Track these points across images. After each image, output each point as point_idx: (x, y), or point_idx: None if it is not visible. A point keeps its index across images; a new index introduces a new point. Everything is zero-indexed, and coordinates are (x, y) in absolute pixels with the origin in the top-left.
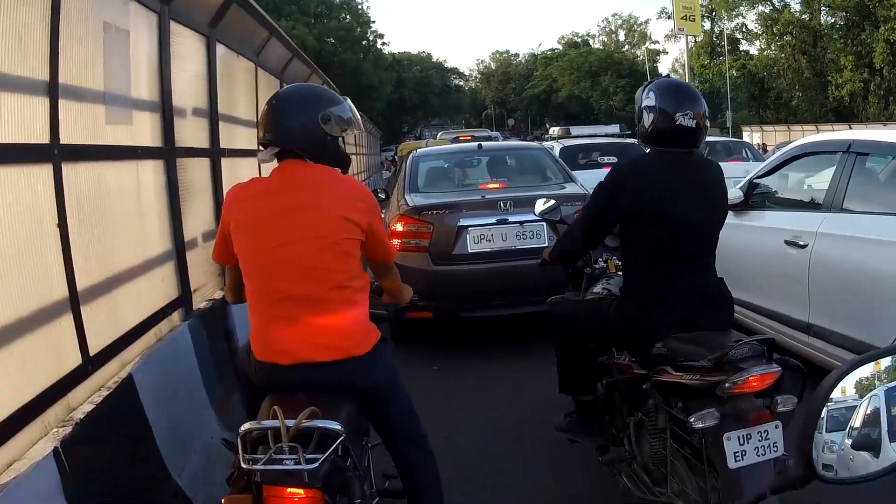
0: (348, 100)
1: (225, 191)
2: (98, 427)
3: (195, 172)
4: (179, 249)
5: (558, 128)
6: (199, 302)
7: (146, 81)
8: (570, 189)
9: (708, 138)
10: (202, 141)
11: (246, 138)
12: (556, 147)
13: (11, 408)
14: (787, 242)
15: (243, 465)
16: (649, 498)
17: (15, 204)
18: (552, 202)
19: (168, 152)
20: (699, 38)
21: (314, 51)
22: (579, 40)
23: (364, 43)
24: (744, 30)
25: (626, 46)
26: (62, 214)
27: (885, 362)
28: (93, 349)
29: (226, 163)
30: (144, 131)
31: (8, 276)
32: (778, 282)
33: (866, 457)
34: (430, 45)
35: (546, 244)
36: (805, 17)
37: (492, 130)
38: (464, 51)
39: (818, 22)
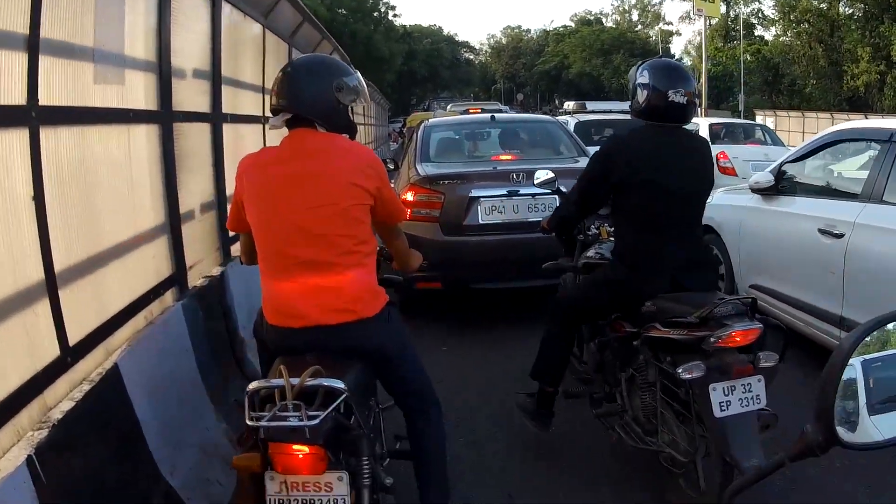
0: (358, 72)
1: (226, 159)
2: (79, 427)
3: (194, 139)
4: (174, 223)
5: (573, 102)
6: (195, 279)
7: (142, 38)
8: (583, 163)
9: (725, 120)
10: (202, 105)
11: (251, 103)
12: (571, 121)
13: None
14: (821, 231)
15: (249, 422)
16: (641, 447)
17: None
18: (551, 174)
19: (164, 116)
20: (718, 19)
21: (325, 21)
22: (592, 18)
23: (375, 14)
24: (759, 15)
25: (639, 26)
26: (38, 185)
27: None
28: (73, 338)
29: (228, 129)
30: (138, 93)
31: None
32: (809, 272)
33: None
34: (442, 19)
35: None
36: (823, 6)
37: (501, 105)
38: (475, 25)
39: (836, 12)
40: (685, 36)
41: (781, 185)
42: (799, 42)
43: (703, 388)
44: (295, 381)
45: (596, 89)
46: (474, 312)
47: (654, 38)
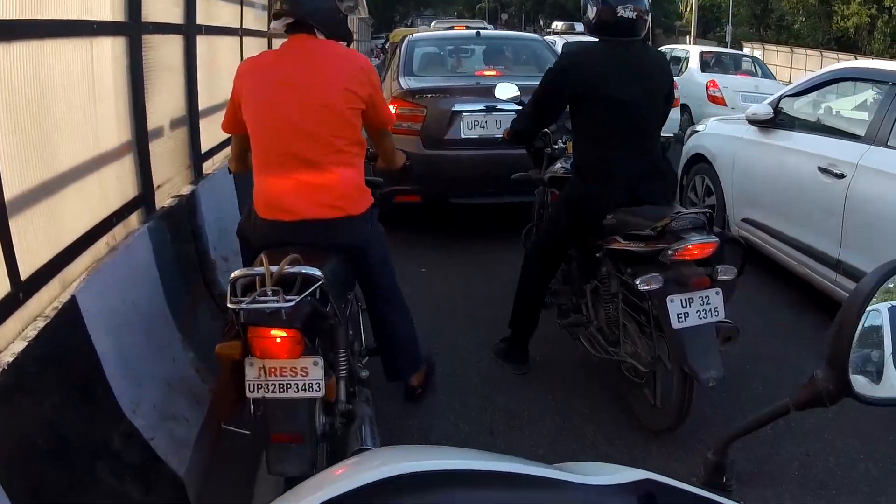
0: None
1: (200, 72)
2: (33, 369)
3: (165, 51)
4: (141, 141)
5: (562, 23)
6: (163, 199)
7: None
8: None
9: (716, 49)
10: (175, 16)
11: (228, 15)
12: (559, 42)
13: None
14: (821, 169)
15: (230, 306)
16: (605, 357)
17: None
18: (515, 91)
19: (132, 28)
20: None
21: None
22: None
23: None
24: None
25: None
26: None
27: None
28: (25, 271)
29: (202, 41)
30: (102, 3)
31: None
32: (807, 210)
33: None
34: None
35: None
36: None
37: (486, 23)
38: None
39: None
40: None
41: (779, 119)
42: None
43: (661, 300)
44: (274, 268)
45: (581, 11)
46: (454, 231)
47: None
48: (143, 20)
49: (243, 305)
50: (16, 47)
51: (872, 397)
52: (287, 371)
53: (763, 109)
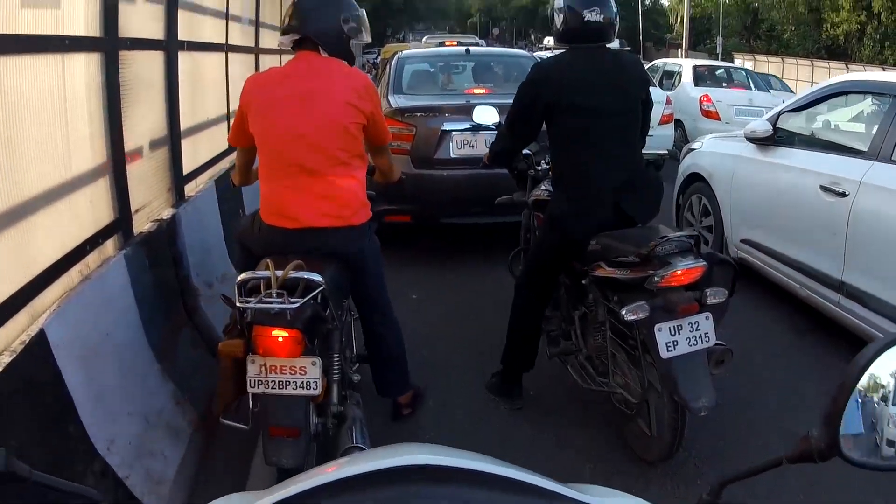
0: (363, 10)
1: (182, 90)
2: None
3: (144, 68)
4: (117, 162)
5: (553, 38)
6: (141, 224)
7: None
8: None
9: (710, 63)
10: (155, 31)
11: (213, 30)
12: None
13: None
14: (823, 188)
15: (238, 304)
16: (594, 388)
17: None
18: (495, 114)
19: (108, 43)
20: None
21: None
22: None
23: None
24: None
25: None
26: None
27: None
28: None
29: (184, 57)
30: (76, 17)
31: None
32: (808, 230)
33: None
34: None
35: (526, 152)
36: None
37: (478, 38)
38: None
39: None
40: None
41: (779, 136)
42: None
43: (648, 329)
44: (280, 273)
45: (549, 22)
46: (445, 252)
47: None
48: (119, 35)
49: (251, 305)
50: None
51: (861, 461)
52: (287, 369)
53: (761, 126)
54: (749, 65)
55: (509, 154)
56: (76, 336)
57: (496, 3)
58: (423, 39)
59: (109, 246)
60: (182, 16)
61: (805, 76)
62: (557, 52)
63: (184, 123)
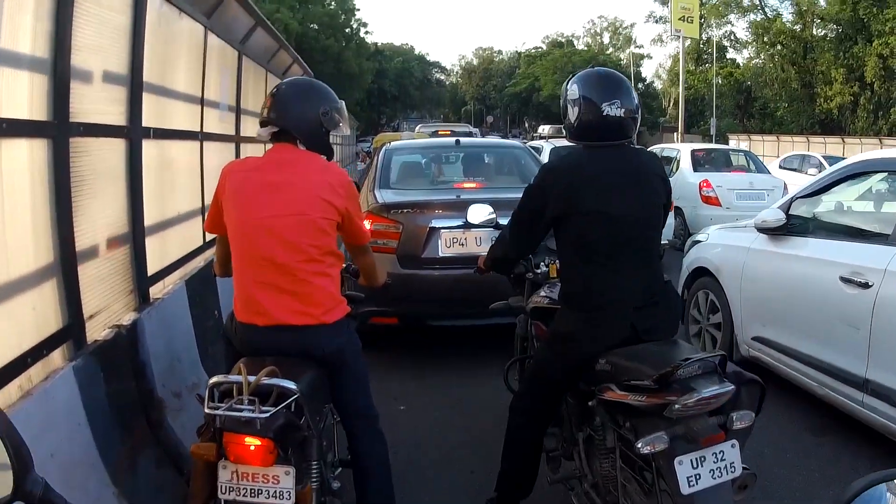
0: (343, 102)
1: (148, 181)
2: None
3: (102, 157)
4: (67, 262)
5: (549, 126)
6: (97, 331)
7: (30, 27)
8: None
9: (708, 146)
10: (115, 117)
11: (185, 116)
12: (547, 147)
13: None
14: (843, 279)
15: (207, 411)
16: None
17: None
18: (488, 214)
19: (57, 129)
20: (690, 41)
21: (297, 35)
22: (564, 40)
23: (347, 30)
24: (732, 38)
25: (611, 49)
26: None
27: None
28: None
29: (150, 146)
30: (19, 98)
31: None
32: (828, 325)
33: None
34: (413, 38)
35: None
36: (797, 27)
37: (471, 127)
38: (446, 45)
39: (810, 33)
40: (656, 59)
41: (792, 224)
42: (772, 64)
43: (667, 462)
44: (252, 378)
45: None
46: (435, 356)
47: (625, 61)
48: (71, 120)
49: (219, 412)
50: None
51: None
52: (259, 477)
53: (773, 215)
54: (744, 145)
55: (510, 262)
56: None
57: (490, 91)
58: (417, 128)
59: (56, 357)
60: (149, 100)
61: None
62: (557, 140)
63: (149, 218)
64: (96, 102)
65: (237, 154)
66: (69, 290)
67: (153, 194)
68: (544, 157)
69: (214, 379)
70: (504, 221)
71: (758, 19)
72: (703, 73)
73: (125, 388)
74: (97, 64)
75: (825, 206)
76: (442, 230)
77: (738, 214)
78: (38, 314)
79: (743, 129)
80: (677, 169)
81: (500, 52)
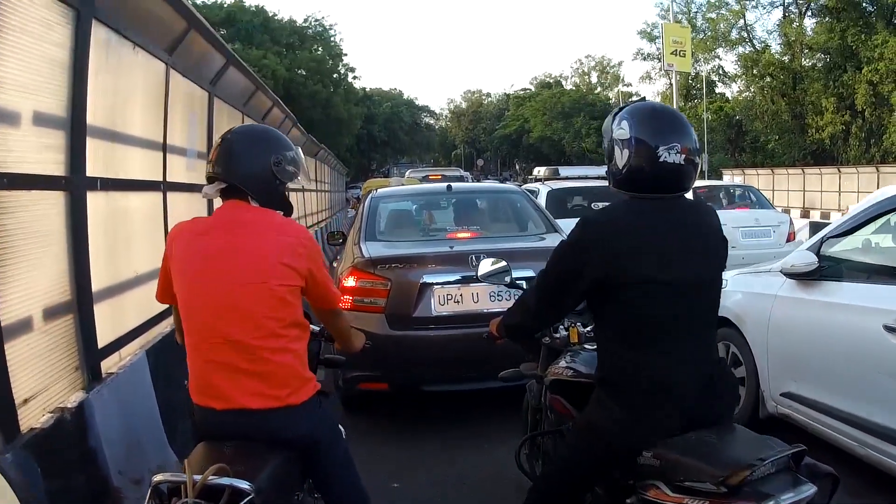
0: (299, 148)
1: (97, 239)
2: None
3: (34, 213)
4: None
5: (545, 168)
6: (33, 417)
7: None
8: (550, 241)
9: (710, 183)
10: (51, 166)
11: (144, 164)
12: (543, 190)
13: None
14: (887, 328)
15: None
16: None
17: None
18: (501, 263)
19: None
20: (679, 77)
21: (284, 81)
22: (552, 81)
23: (335, 76)
24: (720, 72)
25: (599, 88)
26: None
27: None
28: None
29: (98, 199)
30: None
31: None
32: (870, 379)
33: None
34: (402, 82)
35: None
36: (786, 58)
37: (462, 171)
38: (435, 89)
39: (799, 63)
40: (645, 96)
41: (824, 266)
42: (761, 97)
43: None
44: (198, 478)
45: (557, 153)
46: (432, 425)
47: (613, 99)
48: None
49: None
50: None
51: None
52: None
53: (804, 259)
54: (738, 180)
55: (530, 331)
56: None
57: (479, 134)
58: (407, 174)
59: None
60: (96, 146)
61: (797, 185)
62: (554, 183)
63: (98, 282)
64: (26, 150)
65: (210, 206)
66: None
67: (104, 254)
68: (541, 201)
69: (157, 477)
70: (519, 275)
71: (746, 52)
72: (693, 108)
73: (72, 482)
74: (26, 104)
75: (852, 246)
76: (435, 286)
77: (745, 253)
78: None
79: (735, 164)
80: None
81: (488, 94)
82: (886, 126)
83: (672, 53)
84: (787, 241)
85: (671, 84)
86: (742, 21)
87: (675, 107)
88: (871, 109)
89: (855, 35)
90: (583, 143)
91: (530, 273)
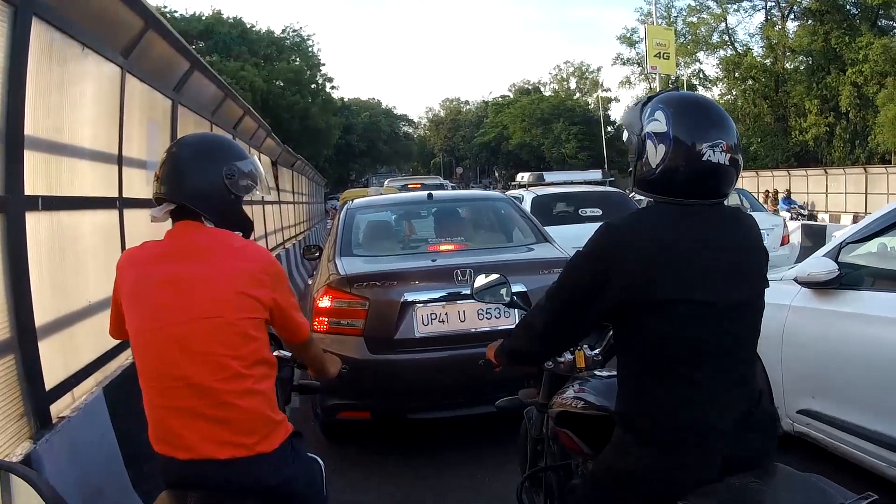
0: (255, 156)
1: (37, 267)
2: None
3: None
4: None
5: (528, 174)
6: None
7: None
8: (540, 251)
9: None
10: None
11: (96, 180)
12: (528, 196)
13: None
14: None
15: None
16: None
17: None
18: (494, 276)
19: None
20: (659, 82)
21: (262, 93)
22: (531, 87)
23: (313, 86)
24: (701, 75)
25: (578, 94)
26: None
27: None
28: None
29: (40, 220)
30: None
31: None
32: None
33: None
34: (380, 92)
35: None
36: (768, 61)
37: (443, 179)
38: (413, 98)
39: (782, 66)
40: (624, 102)
41: (845, 274)
42: (743, 99)
43: None
44: None
45: (537, 159)
46: (420, 459)
47: (593, 105)
48: None
49: None
50: None
51: None
52: None
53: (823, 266)
54: None
55: (537, 359)
56: None
57: (458, 142)
58: (385, 183)
59: None
60: (36, 161)
61: (783, 187)
62: (539, 189)
63: (43, 315)
64: None
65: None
66: None
67: (49, 282)
68: (525, 208)
69: None
70: (519, 288)
71: (728, 55)
72: None
73: None
74: None
75: (866, 251)
76: (417, 304)
77: None
78: None
79: None
80: None
81: (466, 102)
82: (871, 127)
83: (656, 56)
84: (781, 244)
85: (650, 88)
86: (723, 24)
87: None
88: (855, 111)
89: (839, 37)
90: (563, 148)
91: (521, 287)
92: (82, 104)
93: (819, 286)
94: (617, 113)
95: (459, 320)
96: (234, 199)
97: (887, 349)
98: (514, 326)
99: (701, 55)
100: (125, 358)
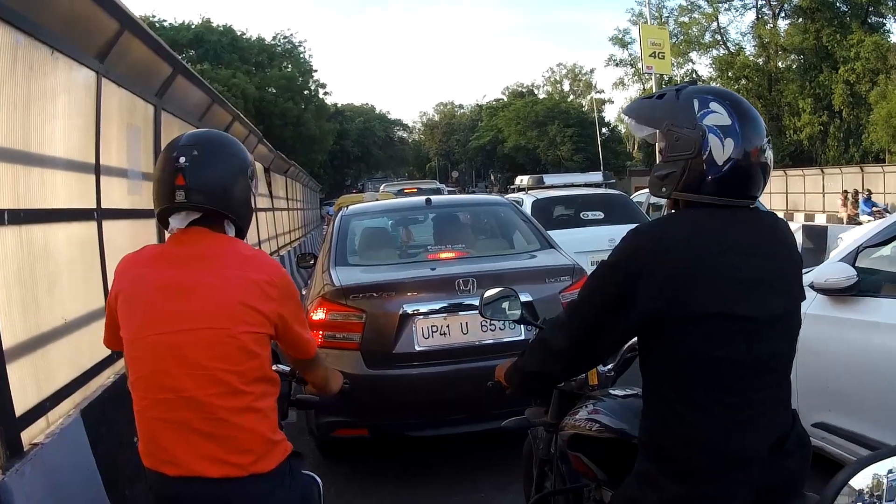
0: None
1: (6, 284)
2: None
3: None
4: None
5: (528, 177)
6: None
7: None
8: (546, 258)
9: None
10: None
11: (70, 191)
12: (527, 200)
13: None
14: None
15: None
16: None
17: None
18: (503, 290)
19: None
20: (653, 82)
21: (254, 100)
22: (524, 90)
23: (306, 93)
24: (694, 76)
25: (571, 96)
26: None
27: None
28: None
29: (7, 234)
30: None
31: None
32: None
33: None
34: (373, 97)
35: (523, 338)
36: (760, 60)
37: (439, 183)
38: (407, 102)
39: (774, 65)
40: (618, 103)
41: (863, 280)
42: None
43: None
44: None
45: (532, 162)
46: (419, 478)
47: (587, 106)
48: None
49: None
50: None
51: None
52: None
53: (841, 272)
54: None
55: (555, 381)
56: None
57: (453, 146)
58: (381, 188)
59: None
60: (2, 172)
61: (779, 188)
62: (539, 192)
63: (13, 336)
64: None
65: (161, 234)
66: None
67: (18, 301)
68: (526, 210)
69: None
70: (525, 298)
71: (720, 55)
72: None
73: None
74: None
75: (879, 254)
76: (417, 316)
77: None
78: None
79: None
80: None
81: (461, 105)
82: (865, 125)
83: (651, 55)
84: None
85: (644, 89)
86: (715, 24)
87: None
88: (848, 109)
89: (830, 35)
90: (558, 150)
91: (527, 297)
92: (53, 111)
93: (837, 293)
94: (611, 114)
95: (462, 332)
96: (250, 199)
97: None
98: (520, 338)
99: (693, 55)
100: (106, 377)
